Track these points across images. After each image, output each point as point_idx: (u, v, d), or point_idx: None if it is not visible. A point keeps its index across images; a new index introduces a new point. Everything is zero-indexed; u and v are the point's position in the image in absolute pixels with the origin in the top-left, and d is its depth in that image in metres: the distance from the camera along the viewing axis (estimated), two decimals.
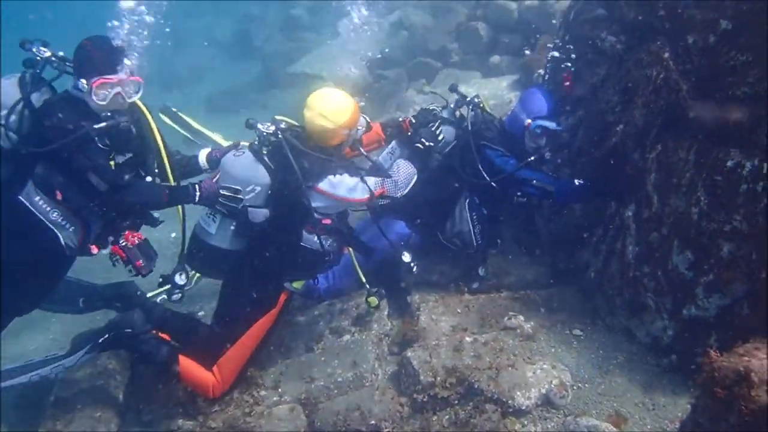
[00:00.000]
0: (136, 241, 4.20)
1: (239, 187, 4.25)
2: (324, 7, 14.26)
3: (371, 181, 4.40)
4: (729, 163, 3.69)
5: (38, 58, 4.17)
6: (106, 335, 4.17)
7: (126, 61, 4.13)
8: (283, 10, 14.56)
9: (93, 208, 4.18)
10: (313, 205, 4.25)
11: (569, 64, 5.06)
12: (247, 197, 4.26)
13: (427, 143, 4.81)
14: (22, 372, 4.15)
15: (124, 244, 4.17)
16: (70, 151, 3.94)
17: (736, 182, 3.65)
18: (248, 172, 4.28)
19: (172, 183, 4.38)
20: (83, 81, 4.00)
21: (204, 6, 17.62)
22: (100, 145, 4.06)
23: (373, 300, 4.82)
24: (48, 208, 4.05)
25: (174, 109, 5.35)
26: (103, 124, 4.02)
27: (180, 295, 4.50)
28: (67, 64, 4.19)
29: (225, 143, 4.85)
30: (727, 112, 3.69)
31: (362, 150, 4.61)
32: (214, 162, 4.58)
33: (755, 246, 3.56)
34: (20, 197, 4.03)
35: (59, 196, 4.06)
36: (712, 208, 3.81)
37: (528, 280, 5.22)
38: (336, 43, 11.25)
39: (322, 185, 4.25)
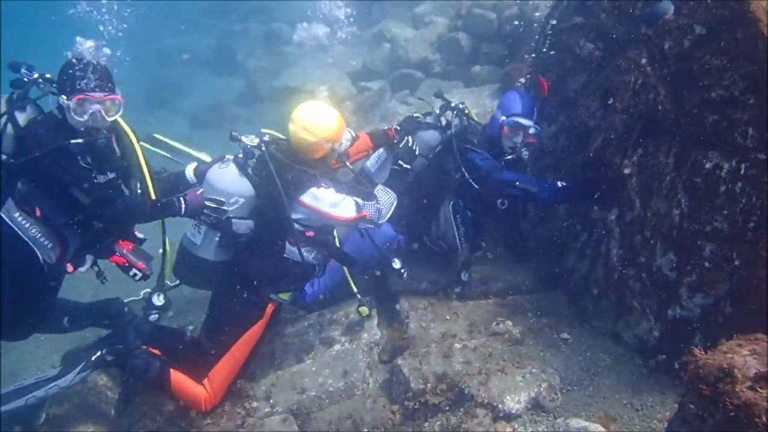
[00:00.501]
0: (131, 247, 4.22)
1: (223, 199, 4.29)
2: (304, 20, 14.38)
3: (354, 201, 4.39)
4: (708, 165, 3.77)
5: (25, 79, 4.21)
6: (98, 352, 4.16)
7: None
8: (264, 24, 14.66)
9: (72, 226, 4.20)
10: (294, 217, 4.28)
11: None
12: (230, 209, 4.30)
13: (404, 165, 4.95)
14: (17, 395, 4.12)
15: (121, 251, 4.19)
16: (51, 165, 3.97)
17: (715, 183, 3.73)
18: (232, 184, 4.33)
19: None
20: (63, 97, 4.02)
21: (185, 23, 17.68)
22: (82, 163, 4.08)
23: (364, 310, 4.85)
24: (27, 224, 4.07)
25: (156, 136, 5.36)
26: (80, 140, 4.04)
27: (157, 315, 4.48)
28: (53, 85, 4.22)
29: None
30: None
31: (348, 164, 4.65)
32: (202, 175, 4.60)
33: (736, 246, 3.63)
34: (0, 212, 4.06)
35: (38, 213, 4.09)
36: (693, 209, 3.88)
37: (515, 285, 5.28)
38: (318, 56, 11.36)
39: (305, 198, 4.26)
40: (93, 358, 4.14)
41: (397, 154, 5.00)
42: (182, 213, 4.30)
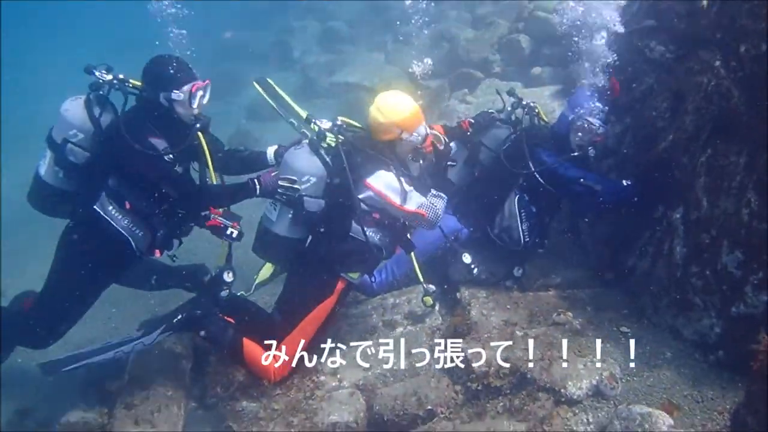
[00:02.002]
0: (221, 212, 4.59)
1: (296, 178, 4.53)
2: (362, 20, 14.60)
3: (419, 197, 4.53)
4: None
5: (101, 81, 4.51)
6: (179, 316, 4.41)
7: None
8: (322, 22, 14.92)
9: (159, 215, 4.55)
10: (360, 197, 4.48)
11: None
12: (303, 187, 4.54)
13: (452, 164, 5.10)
14: (104, 351, 4.39)
15: (214, 216, 4.54)
16: (143, 164, 4.33)
17: None
18: (304, 164, 4.57)
19: None
20: (176, 91, 4.32)
21: (242, 20, 18.04)
22: (166, 159, 4.42)
23: (429, 300, 4.99)
24: (120, 216, 4.45)
25: (269, 80, 5.62)
26: (197, 125, 4.41)
27: (227, 291, 4.72)
28: (127, 84, 4.52)
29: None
30: None
31: (421, 162, 4.78)
32: (281, 157, 4.85)
33: None
34: (95, 207, 4.43)
35: (128, 206, 4.45)
36: (762, 208, 3.96)
37: (573, 280, 5.39)
38: (377, 54, 11.61)
39: (371, 179, 4.45)
40: (174, 321, 4.39)
41: (449, 154, 5.09)
42: (258, 193, 4.57)
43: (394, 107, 4.58)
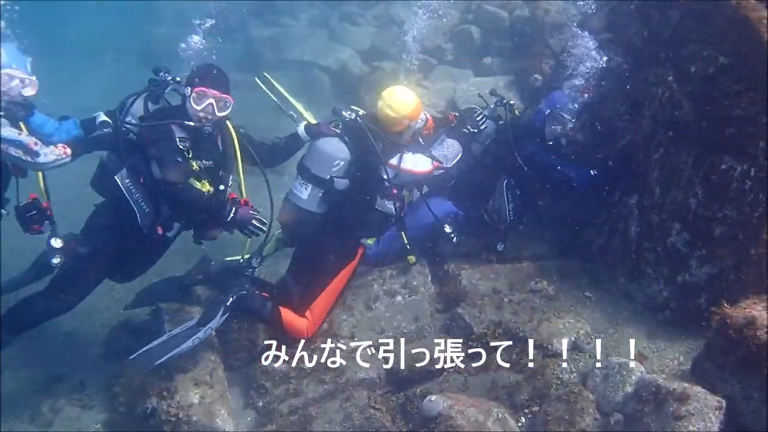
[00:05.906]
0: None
1: (266, 221, 5.15)
2: None
3: (427, 158, 5.53)
4: (723, 166, 4.87)
5: (161, 79, 5.08)
6: (231, 298, 4.95)
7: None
8: None
9: (163, 196, 5.06)
10: (385, 177, 5.32)
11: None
12: (333, 170, 5.30)
13: (471, 129, 6.00)
14: (177, 342, 4.84)
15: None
16: (150, 135, 4.89)
17: (727, 181, 4.83)
18: (335, 150, 5.35)
19: (244, 196, 5.29)
20: (189, 88, 4.94)
21: None
22: (179, 144, 4.95)
23: (411, 258, 5.89)
24: (133, 189, 5.01)
25: (267, 76, 6.22)
26: (191, 123, 4.95)
27: (252, 272, 5.50)
28: (181, 84, 5.09)
29: (305, 112, 5.79)
30: None
31: (420, 139, 5.71)
32: (312, 132, 5.53)
33: (743, 228, 4.77)
34: (116, 177, 5.02)
35: (141, 180, 5.01)
36: (707, 199, 4.97)
37: (540, 253, 6.34)
38: (320, 29, 12.07)
39: (394, 161, 5.37)
40: (228, 303, 4.93)
41: (464, 120, 6.06)
42: (228, 220, 5.08)
43: (402, 104, 5.40)
